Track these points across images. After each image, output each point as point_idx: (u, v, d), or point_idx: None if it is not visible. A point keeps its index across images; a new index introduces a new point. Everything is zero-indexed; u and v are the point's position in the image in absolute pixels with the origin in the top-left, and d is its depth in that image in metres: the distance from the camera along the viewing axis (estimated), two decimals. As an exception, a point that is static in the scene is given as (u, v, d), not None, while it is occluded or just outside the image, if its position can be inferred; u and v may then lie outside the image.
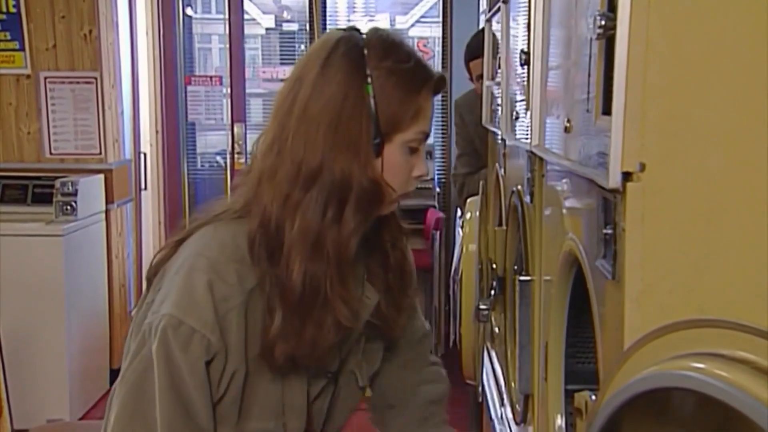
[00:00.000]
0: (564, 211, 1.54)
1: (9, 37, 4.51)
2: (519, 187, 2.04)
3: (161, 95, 6.10)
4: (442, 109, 6.52)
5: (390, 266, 1.44)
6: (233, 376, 1.29)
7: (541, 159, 1.74)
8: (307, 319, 1.29)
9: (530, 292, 1.78)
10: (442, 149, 6.33)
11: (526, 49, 1.83)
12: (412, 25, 6.94)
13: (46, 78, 4.57)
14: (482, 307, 2.06)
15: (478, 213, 2.24)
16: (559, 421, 1.55)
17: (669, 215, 1.06)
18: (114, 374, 4.78)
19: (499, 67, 2.58)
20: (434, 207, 5.34)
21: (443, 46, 6.54)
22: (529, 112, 1.79)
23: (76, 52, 4.58)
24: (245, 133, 6.37)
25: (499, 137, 2.84)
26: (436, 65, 6.69)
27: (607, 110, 1.15)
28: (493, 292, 2.12)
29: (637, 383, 0.96)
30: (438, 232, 4.83)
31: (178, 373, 1.25)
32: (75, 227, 4.25)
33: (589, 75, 1.25)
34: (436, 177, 5.74)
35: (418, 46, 6.74)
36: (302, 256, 1.28)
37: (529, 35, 1.78)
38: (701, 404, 0.91)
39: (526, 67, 1.85)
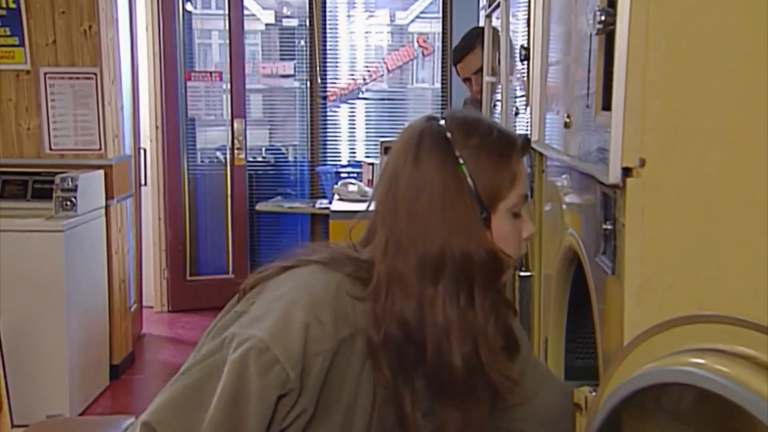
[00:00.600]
0: (563, 206, 1.54)
1: (9, 33, 4.50)
2: (519, 182, 2.04)
3: (161, 91, 6.10)
4: (442, 103, 6.53)
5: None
6: (299, 416, 1.30)
7: (540, 154, 1.75)
8: (468, 400, 1.32)
9: (530, 287, 1.78)
10: (442, 145, 6.32)
11: (526, 45, 1.83)
12: (412, 21, 6.93)
13: (45, 74, 4.56)
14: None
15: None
16: (559, 416, 1.55)
17: (669, 211, 1.06)
18: (114, 370, 4.77)
19: (499, 63, 2.58)
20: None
21: (443, 42, 6.54)
22: (528, 108, 1.79)
23: (75, 48, 4.57)
24: (245, 129, 6.37)
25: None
26: (435, 61, 6.70)
27: (607, 106, 1.15)
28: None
29: (637, 379, 0.96)
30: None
31: (246, 393, 1.25)
32: (75, 223, 4.24)
33: (588, 71, 1.25)
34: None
35: (418, 41, 6.73)
36: (455, 344, 1.31)
37: (529, 31, 1.78)
38: (701, 399, 0.91)
39: (525, 62, 1.85)
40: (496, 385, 1.32)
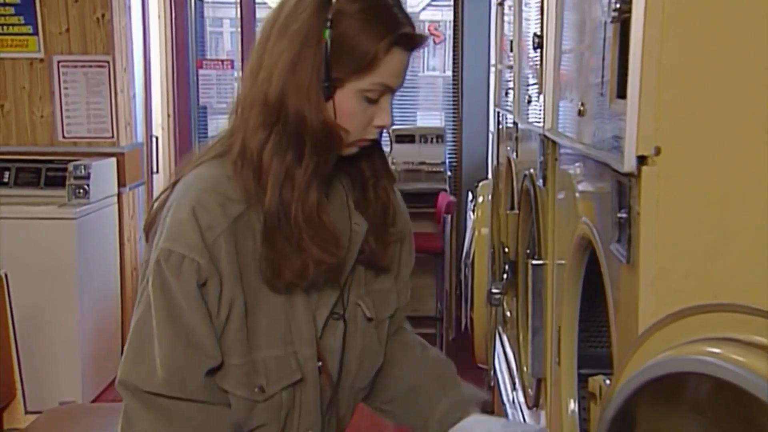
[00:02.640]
0: (577, 194, 1.53)
1: (23, 21, 4.51)
2: (532, 170, 2.03)
3: (173, 79, 6.09)
4: (453, 91, 6.50)
5: (370, 201, 1.45)
6: (232, 304, 1.32)
7: (554, 143, 1.74)
8: (287, 245, 1.32)
9: (543, 276, 1.78)
10: (453, 132, 6.30)
11: (539, 33, 1.82)
12: (424, 9, 6.90)
13: (59, 62, 4.57)
14: (494, 290, 2.06)
15: (490, 197, 2.23)
16: (572, 405, 1.55)
17: (684, 199, 1.05)
18: (127, 357, 4.81)
19: (511, 51, 2.57)
20: (445, 191, 5.32)
21: (455, 30, 6.50)
22: (541, 96, 1.78)
23: (88, 36, 4.58)
24: (256, 117, 6.35)
25: (511, 121, 2.83)
26: (447, 49, 6.66)
27: (621, 94, 1.14)
28: (505, 276, 2.12)
29: (652, 368, 0.96)
30: (449, 216, 4.82)
31: (174, 301, 1.28)
32: (87, 210, 4.26)
33: (603, 58, 1.24)
34: (447, 161, 5.72)
35: (429, 29, 6.69)
36: (274, 186, 1.31)
37: (542, 19, 1.77)
38: (717, 389, 0.91)
39: (539, 50, 1.84)
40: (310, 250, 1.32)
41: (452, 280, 4.92)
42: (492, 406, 3.43)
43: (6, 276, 2.96)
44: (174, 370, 1.30)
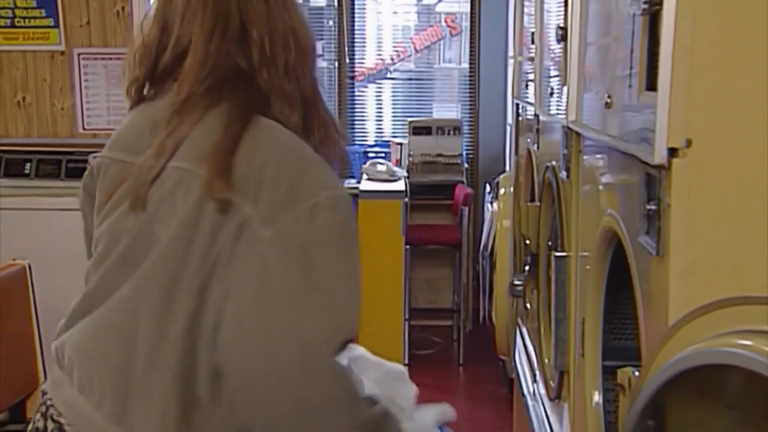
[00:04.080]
0: (602, 187, 1.53)
1: (44, 14, 4.53)
2: (554, 162, 2.03)
3: (191, 71, 6.09)
4: (470, 83, 6.49)
5: None
6: None
7: (578, 135, 1.73)
8: None
9: (566, 268, 1.78)
10: (470, 124, 6.29)
11: (562, 25, 1.81)
12: (439, 1, 6.89)
13: (79, 54, 4.57)
14: (516, 282, 2.06)
15: (512, 189, 2.23)
16: (597, 397, 1.55)
17: (715, 191, 1.05)
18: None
19: (532, 43, 2.56)
20: (462, 183, 5.32)
21: (471, 22, 6.48)
22: (565, 88, 1.78)
23: (109, 29, 4.58)
24: (274, 109, 6.36)
25: (531, 113, 2.83)
26: (463, 40, 6.65)
27: (650, 86, 1.14)
28: (527, 267, 2.12)
29: (683, 360, 0.95)
30: (467, 208, 4.82)
31: (356, 244, 1.18)
32: (108, 202, 4.28)
33: (631, 51, 1.23)
34: (464, 153, 5.71)
35: (446, 21, 6.68)
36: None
37: (566, 11, 1.76)
38: (748, 381, 0.91)
39: (562, 43, 1.84)
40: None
41: (469, 272, 4.91)
42: (511, 399, 3.43)
43: (29, 266, 2.98)
44: (357, 315, 1.17)
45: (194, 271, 1.13)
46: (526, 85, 2.79)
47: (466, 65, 6.68)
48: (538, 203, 2.29)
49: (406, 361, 4.51)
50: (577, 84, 1.67)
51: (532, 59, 2.66)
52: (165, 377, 1.14)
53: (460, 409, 4.33)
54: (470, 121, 6.33)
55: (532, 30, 2.58)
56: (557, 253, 1.81)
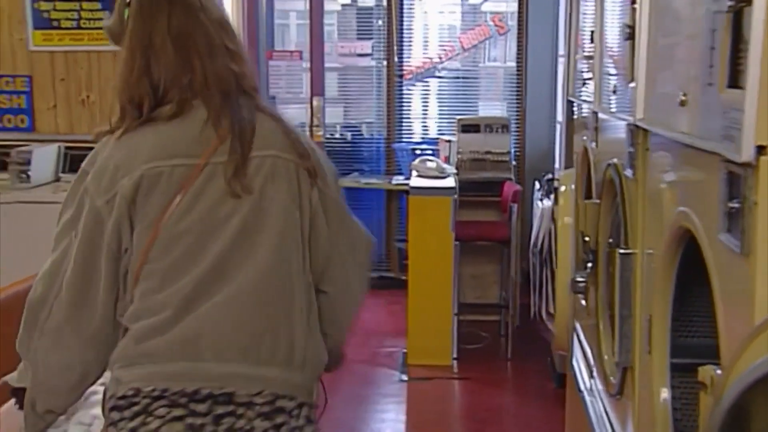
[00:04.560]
0: (672, 184, 1.50)
1: (108, 17, 4.58)
2: (616, 160, 1.99)
3: (244, 70, 6.13)
4: (517, 82, 6.44)
5: None
6: None
7: (644, 132, 1.70)
8: None
9: (632, 265, 1.75)
10: (517, 123, 6.25)
11: (629, 23, 1.78)
12: (485, 0, 6.85)
13: (138, 53, 4.63)
14: (579, 279, 2.04)
15: (573, 186, 2.20)
16: (665, 394, 1.52)
17: (803, 190, 1.02)
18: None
19: (591, 41, 2.53)
20: (510, 180, 5.28)
21: (519, 21, 6.43)
22: (632, 86, 1.75)
23: (168, 29, 4.63)
24: (323, 107, 6.39)
25: (588, 110, 2.79)
26: (510, 40, 6.61)
27: (733, 84, 1.11)
28: (590, 264, 2.10)
29: (773, 360, 0.93)
30: (515, 205, 4.78)
31: None
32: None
33: (711, 48, 1.21)
34: (512, 150, 5.67)
35: (493, 21, 6.64)
36: None
37: (634, 9, 1.73)
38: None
39: (628, 41, 1.80)
40: None
41: (517, 268, 4.88)
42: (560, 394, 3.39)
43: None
44: None
45: (303, 227, 1.51)
46: (584, 83, 2.76)
47: (511, 64, 6.64)
48: (598, 201, 2.26)
49: (455, 355, 4.50)
50: (645, 82, 1.64)
51: (589, 57, 2.63)
52: (312, 310, 1.54)
53: (509, 403, 4.31)
54: (517, 119, 6.28)
55: (591, 29, 2.55)
56: (622, 250, 1.78)
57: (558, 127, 4.50)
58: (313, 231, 1.53)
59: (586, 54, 2.71)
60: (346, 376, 4.40)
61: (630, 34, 1.76)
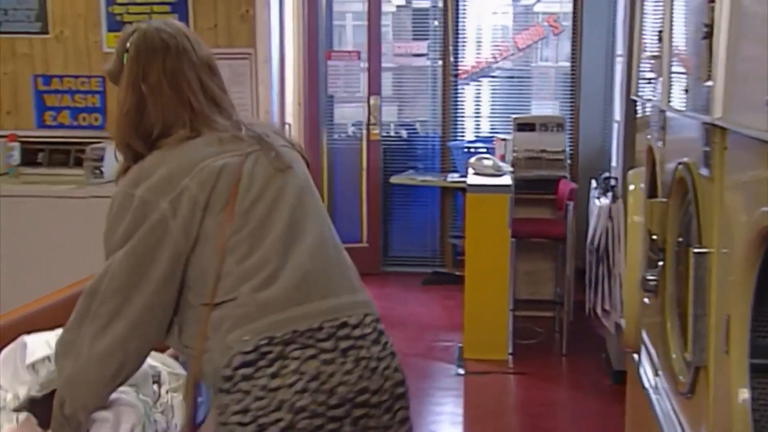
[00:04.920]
0: (754, 184, 1.45)
1: (177, 19, 4.65)
2: (687, 158, 1.94)
3: (304, 70, 6.17)
4: (571, 81, 6.36)
5: None
6: None
7: (722, 131, 1.65)
8: None
9: (706, 264, 1.70)
10: (571, 122, 6.17)
11: (707, 21, 1.73)
12: (538, 1, 6.78)
13: (206, 54, 4.67)
14: (650, 277, 1.99)
15: (642, 185, 2.16)
16: (744, 394, 1.47)
17: None
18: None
19: (659, 41, 2.47)
20: (565, 178, 5.21)
21: (573, 21, 6.35)
22: (709, 85, 1.70)
23: (234, 31, 4.67)
24: (380, 105, 6.39)
25: (652, 109, 2.73)
26: (560, 40, 6.54)
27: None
28: (661, 263, 2.05)
29: None
30: (571, 203, 4.71)
31: None
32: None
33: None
34: (567, 149, 5.60)
35: (548, 21, 6.57)
36: None
37: (712, 7, 1.68)
38: None
39: (705, 40, 1.75)
40: None
41: (572, 265, 4.81)
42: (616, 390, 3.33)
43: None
44: None
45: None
46: (649, 82, 2.70)
47: (563, 63, 6.58)
48: (666, 199, 2.21)
49: (510, 350, 4.46)
50: (725, 80, 1.59)
51: (656, 57, 2.57)
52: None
53: (565, 398, 4.26)
54: (570, 118, 6.21)
55: (659, 29, 2.49)
56: (696, 249, 1.73)
57: (615, 126, 4.42)
58: None
59: (652, 53, 2.66)
60: (404, 370, 4.39)
61: (707, 33, 1.71)
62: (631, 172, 2.24)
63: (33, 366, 1.76)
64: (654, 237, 2.21)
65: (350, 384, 1.55)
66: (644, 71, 2.93)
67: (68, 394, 1.58)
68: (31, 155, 4.66)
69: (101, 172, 4.42)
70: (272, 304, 1.55)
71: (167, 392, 1.70)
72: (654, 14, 2.90)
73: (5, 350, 1.75)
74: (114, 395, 1.56)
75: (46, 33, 4.79)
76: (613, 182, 4.20)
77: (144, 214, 1.58)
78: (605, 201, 4.12)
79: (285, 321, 1.54)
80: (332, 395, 1.53)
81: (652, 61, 2.68)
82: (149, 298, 1.57)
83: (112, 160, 4.48)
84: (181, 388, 1.73)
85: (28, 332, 2.08)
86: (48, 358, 1.74)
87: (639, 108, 3.21)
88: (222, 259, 1.57)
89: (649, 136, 2.70)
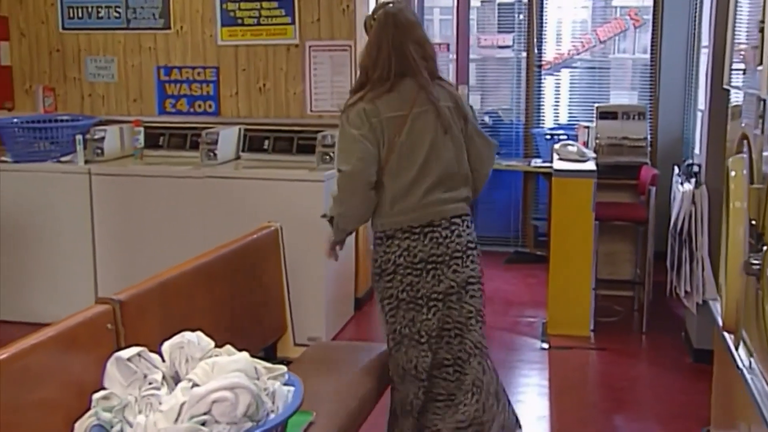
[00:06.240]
0: None
1: (283, 14, 4.68)
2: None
3: (397, 61, 6.13)
4: (651, 71, 6.15)
5: None
6: None
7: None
8: None
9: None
10: (651, 110, 5.97)
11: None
12: (617, -4, 6.58)
13: (310, 46, 4.69)
14: (754, 261, 1.89)
15: (746, 171, 2.06)
16: None
17: None
18: (357, 302, 4.89)
19: (760, 31, 2.34)
20: (647, 164, 5.05)
21: (654, 14, 6.13)
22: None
23: (335, 24, 4.67)
24: (468, 94, 6.31)
25: (745, 98, 2.60)
26: (637, 32, 6.32)
27: None
28: (765, 247, 1.94)
29: None
30: (654, 188, 4.56)
31: None
32: (332, 174, 4.32)
33: None
34: (648, 136, 5.42)
35: (629, 14, 6.37)
36: None
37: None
38: None
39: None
40: None
41: (653, 248, 4.66)
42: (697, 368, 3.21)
43: (281, 228, 3.07)
44: None
45: (462, 139, 2.66)
46: (744, 72, 2.57)
47: (640, 55, 6.38)
48: (763, 186, 2.10)
49: (592, 327, 4.36)
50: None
51: (753, 47, 2.43)
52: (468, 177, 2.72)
53: (646, 374, 4.13)
54: (651, 107, 6.01)
55: (758, 19, 2.35)
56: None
57: (699, 114, 4.24)
58: (467, 140, 2.64)
59: (750, 44, 2.52)
60: (491, 343, 4.33)
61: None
62: (731, 159, 2.12)
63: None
64: (753, 222, 2.10)
65: (426, 251, 2.54)
66: (737, 61, 2.79)
67: (340, 221, 2.63)
68: (153, 139, 4.78)
69: (215, 155, 4.50)
70: (402, 211, 2.54)
71: (267, 380, 1.75)
72: (750, 5, 2.75)
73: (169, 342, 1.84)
74: (234, 379, 1.60)
75: (168, 28, 4.89)
76: (696, 168, 4.04)
77: (355, 130, 2.52)
78: (688, 186, 3.97)
79: (407, 220, 2.54)
80: (415, 257, 2.54)
81: (747, 52, 2.54)
82: (372, 178, 2.53)
83: (225, 143, 4.57)
84: (276, 377, 1.78)
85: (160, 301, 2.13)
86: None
87: (733, 97, 3.06)
88: (383, 172, 2.53)
89: (743, 124, 2.57)
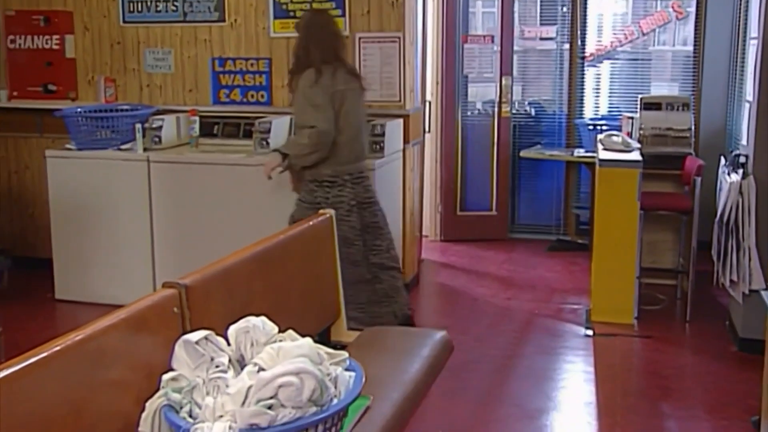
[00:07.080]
0: None
1: (334, 6, 4.63)
2: None
3: (443, 52, 6.05)
4: (694, 63, 5.98)
5: None
6: None
7: None
8: None
9: None
10: (693, 101, 5.80)
11: None
12: (659, -11, 6.39)
13: (360, 38, 4.63)
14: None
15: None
16: None
17: None
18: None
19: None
20: (691, 154, 4.90)
21: (697, 7, 5.95)
22: None
23: (384, 17, 4.60)
24: (511, 85, 6.21)
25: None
26: (677, 24, 6.13)
27: None
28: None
29: None
30: (699, 178, 4.42)
31: None
32: (382, 163, 4.31)
33: None
34: (692, 127, 5.26)
35: (672, 7, 6.19)
36: None
37: None
38: None
39: None
40: None
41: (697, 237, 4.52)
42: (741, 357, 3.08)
43: (333, 215, 3.03)
44: None
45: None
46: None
47: (680, 47, 6.21)
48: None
49: (636, 315, 4.25)
50: None
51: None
52: None
53: (691, 362, 3.99)
54: (692, 99, 5.84)
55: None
56: None
57: (747, 106, 4.09)
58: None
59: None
60: (536, 329, 4.27)
61: None
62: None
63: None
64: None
65: (360, 195, 3.65)
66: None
67: (293, 161, 3.63)
68: (208, 127, 4.78)
69: (267, 143, 4.47)
70: (342, 162, 3.59)
71: (330, 365, 1.71)
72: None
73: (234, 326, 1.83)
74: (299, 365, 1.57)
75: (223, 21, 4.88)
76: (743, 159, 3.90)
77: (320, 95, 3.55)
78: (735, 177, 3.83)
79: (346, 170, 3.61)
80: (355, 198, 3.63)
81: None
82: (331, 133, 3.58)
83: (277, 132, 4.55)
84: (338, 363, 1.75)
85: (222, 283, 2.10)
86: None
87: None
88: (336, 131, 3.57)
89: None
